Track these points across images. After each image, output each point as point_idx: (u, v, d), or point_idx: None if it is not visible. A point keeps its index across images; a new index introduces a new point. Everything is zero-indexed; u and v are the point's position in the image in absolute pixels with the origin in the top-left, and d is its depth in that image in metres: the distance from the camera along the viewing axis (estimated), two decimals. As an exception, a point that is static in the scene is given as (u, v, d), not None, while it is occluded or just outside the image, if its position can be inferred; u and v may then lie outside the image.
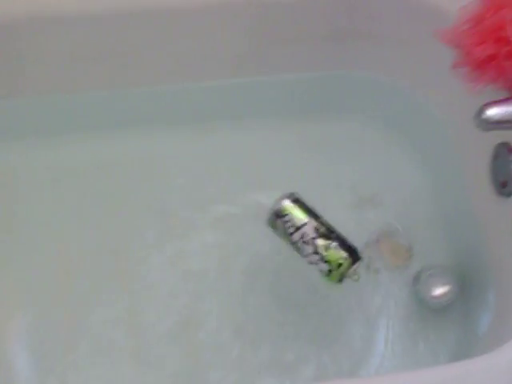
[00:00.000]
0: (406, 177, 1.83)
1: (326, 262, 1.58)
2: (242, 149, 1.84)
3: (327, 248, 1.59)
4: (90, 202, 1.77)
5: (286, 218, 1.61)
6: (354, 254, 1.59)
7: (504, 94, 1.52)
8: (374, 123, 1.87)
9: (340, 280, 1.59)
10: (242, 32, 1.74)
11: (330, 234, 1.60)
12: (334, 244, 1.59)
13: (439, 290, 1.69)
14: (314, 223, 1.61)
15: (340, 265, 1.58)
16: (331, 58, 1.83)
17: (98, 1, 1.66)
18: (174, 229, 1.76)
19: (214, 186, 1.79)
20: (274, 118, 1.86)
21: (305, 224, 1.60)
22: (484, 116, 1.46)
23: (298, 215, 1.61)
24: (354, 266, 1.58)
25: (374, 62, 1.83)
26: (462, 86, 1.56)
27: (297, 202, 1.63)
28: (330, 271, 1.59)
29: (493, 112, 1.46)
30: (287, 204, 1.62)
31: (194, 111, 1.85)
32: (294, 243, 1.62)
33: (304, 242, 1.60)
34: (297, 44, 1.78)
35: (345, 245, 1.60)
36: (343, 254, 1.58)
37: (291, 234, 1.61)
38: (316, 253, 1.59)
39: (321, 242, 1.59)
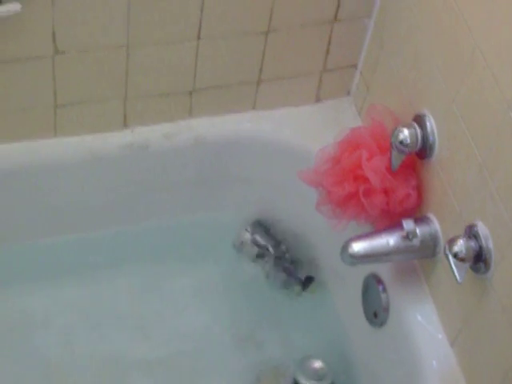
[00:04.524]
0: (282, 313, 1.86)
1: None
2: (122, 295, 1.86)
3: None
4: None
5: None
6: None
7: (367, 228, 1.60)
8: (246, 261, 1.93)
9: None
10: (114, 183, 1.79)
11: None
12: None
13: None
14: None
15: None
16: (201, 202, 1.88)
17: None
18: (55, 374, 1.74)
19: (97, 331, 1.80)
20: (151, 263, 1.88)
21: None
22: (350, 251, 1.52)
23: None
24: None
25: (245, 203, 1.90)
26: (328, 223, 1.63)
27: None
28: None
29: (357, 247, 1.53)
30: None
31: (65, 264, 1.86)
32: None
33: None
34: (167, 191, 1.83)
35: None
36: None
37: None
38: None
39: None
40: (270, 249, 1.87)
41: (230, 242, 1.90)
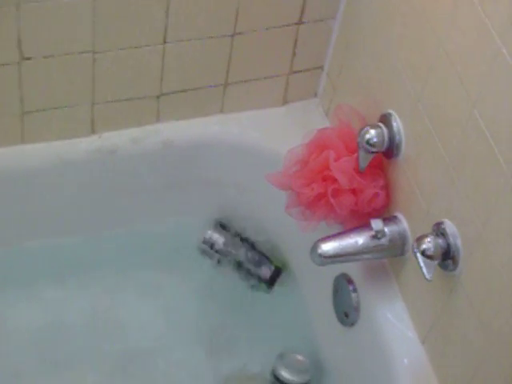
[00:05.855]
0: (252, 313, 1.87)
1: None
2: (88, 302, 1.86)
3: None
4: None
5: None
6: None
7: (336, 229, 1.61)
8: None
9: None
10: (83, 188, 1.78)
11: None
12: None
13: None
14: None
15: None
16: (170, 207, 1.88)
17: None
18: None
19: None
20: (119, 269, 1.87)
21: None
22: (319, 251, 1.53)
23: None
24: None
25: (213, 206, 1.90)
26: (298, 224, 1.64)
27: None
28: None
29: (327, 247, 1.54)
30: None
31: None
32: None
33: None
34: (135, 196, 1.83)
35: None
36: None
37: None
38: None
39: None
40: (231, 251, 1.88)
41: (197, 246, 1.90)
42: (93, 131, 1.72)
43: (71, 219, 1.82)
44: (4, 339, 1.77)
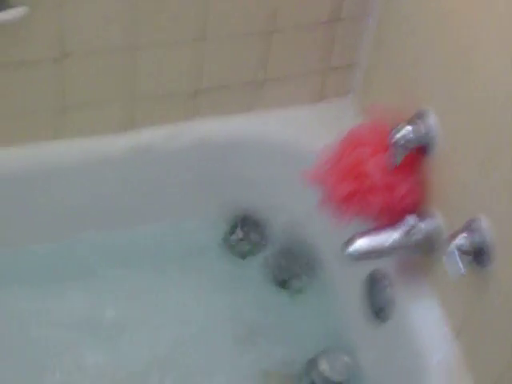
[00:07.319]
0: (284, 312, 1.87)
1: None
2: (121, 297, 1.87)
3: None
4: None
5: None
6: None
7: (369, 225, 1.62)
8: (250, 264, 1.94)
9: None
10: (117, 186, 1.80)
11: None
12: None
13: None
14: None
15: None
16: (203, 204, 1.90)
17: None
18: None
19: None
20: (153, 266, 1.88)
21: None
22: (353, 248, 1.54)
23: None
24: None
25: (247, 203, 1.92)
26: (331, 221, 1.65)
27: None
28: None
29: (360, 243, 1.54)
30: None
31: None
32: None
33: None
34: (170, 193, 1.84)
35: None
36: None
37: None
38: None
39: None
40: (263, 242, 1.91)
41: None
42: (130, 127, 1.73)
43: (105, 215, 1.84)
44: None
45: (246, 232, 1.92)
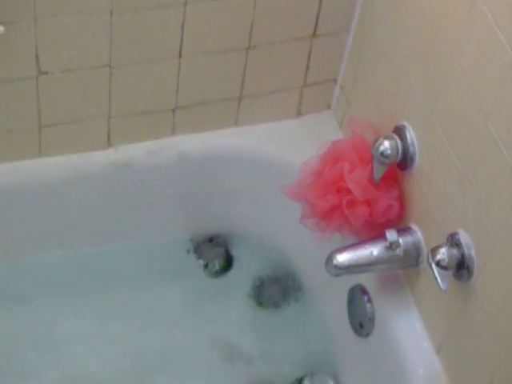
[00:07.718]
0: (267, 325, 1.87)
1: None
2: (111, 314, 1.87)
3: None
4: None
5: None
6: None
7: (351, 240, 1.62)
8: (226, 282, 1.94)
9: None
10: (99, 201, 1.79)
11: None
12: None
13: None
14: None
15: None
16: (185, 219, 1.90)
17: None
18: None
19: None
20: (135, 282, 1.88)
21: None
22: (334, 262, 1.54)
23: None
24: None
25: (228, 218, 1.91)
26: (312, 236, 1.65)
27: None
28: None
29: (342, 258, 1.54)
30: None
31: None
32: None
33: None
34: (151, 208, 1.84)
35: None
36: None
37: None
38: None
39: None
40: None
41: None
42: (109, 144, 1.74)
43: (87, 231, 1.83)
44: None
45: (210, 257, 1.92)
